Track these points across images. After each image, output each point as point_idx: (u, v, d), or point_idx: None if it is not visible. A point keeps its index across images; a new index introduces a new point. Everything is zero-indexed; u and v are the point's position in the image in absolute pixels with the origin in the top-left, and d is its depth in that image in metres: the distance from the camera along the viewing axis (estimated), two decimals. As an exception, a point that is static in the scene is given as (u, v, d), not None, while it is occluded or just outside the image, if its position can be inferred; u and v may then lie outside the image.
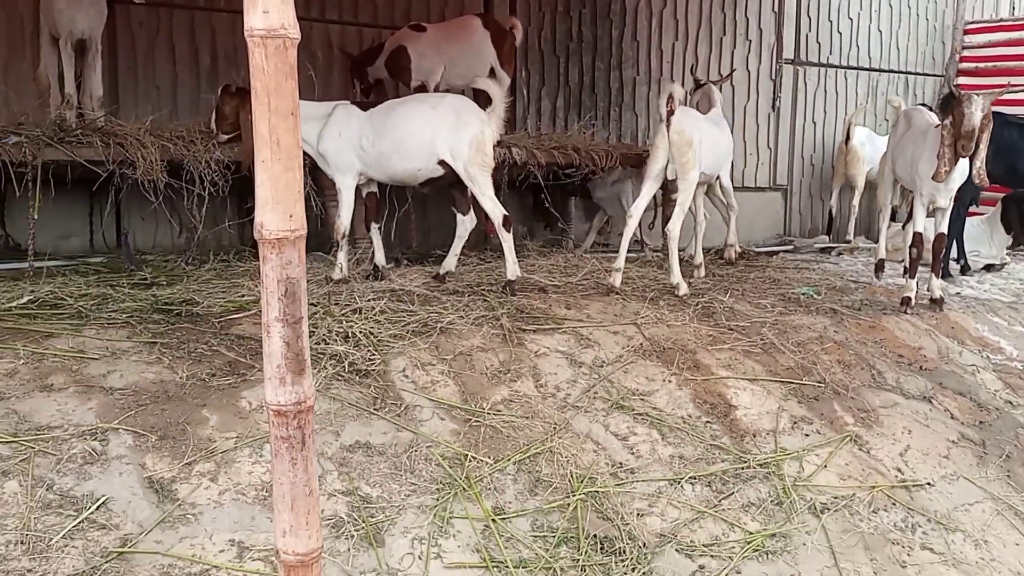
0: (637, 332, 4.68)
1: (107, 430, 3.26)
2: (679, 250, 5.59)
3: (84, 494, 2.98)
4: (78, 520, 2.86)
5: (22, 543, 2.76)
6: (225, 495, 3.08)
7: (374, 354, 4.07)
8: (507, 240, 5.14)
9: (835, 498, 3.68)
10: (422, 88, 6.33)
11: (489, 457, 3.53)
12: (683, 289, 5.46)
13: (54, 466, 3.06)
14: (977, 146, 5.26)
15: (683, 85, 8.49)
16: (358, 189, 5.35)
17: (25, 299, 4.34)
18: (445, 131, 5.06)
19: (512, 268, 5.14)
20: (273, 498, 2.09)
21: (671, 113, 5.47)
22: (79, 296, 4.48)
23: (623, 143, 7.78)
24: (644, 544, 3.21)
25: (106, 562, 2.74)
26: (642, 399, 4.09)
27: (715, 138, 6.10)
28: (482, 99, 5.37)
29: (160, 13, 6.60)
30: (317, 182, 5.70)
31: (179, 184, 5.32)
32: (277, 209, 1.93)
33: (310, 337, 2.38)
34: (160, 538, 2.87)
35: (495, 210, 5.12)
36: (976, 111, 5.18)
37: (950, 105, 5.40)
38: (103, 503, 2.95)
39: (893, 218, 7.36)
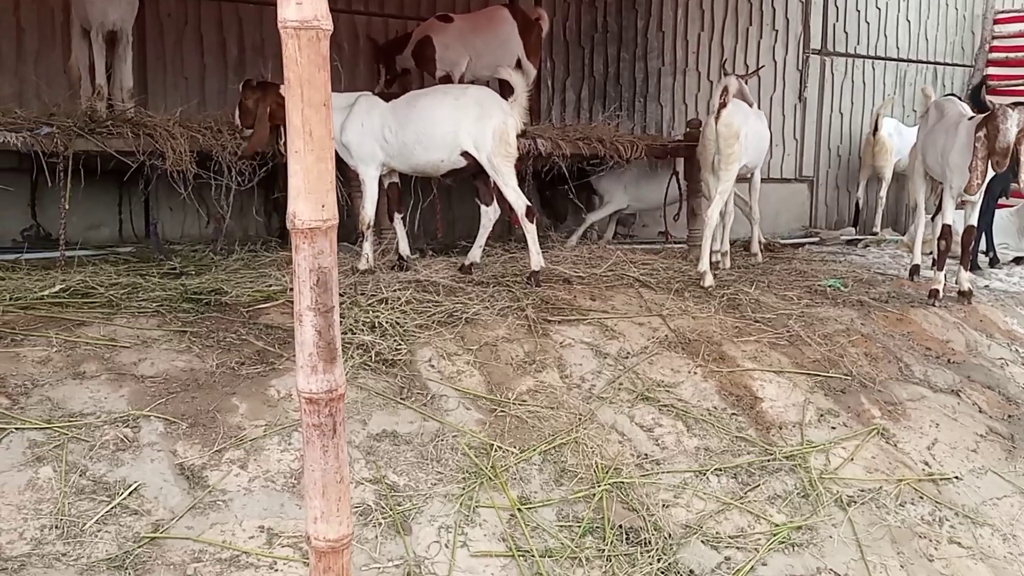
0: (662, 324, 4.67)
1: (139, 417, 3.30)
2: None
3: (117, 480, 3.03)
4: (111, 506, 2.91)
5: (56, 527, 2.82)
6: (255, 482, 3.12)
7: (400, 344, 4.10)
8: (530, 231, 5.14)
9: (862, 491, 3.66)
10: (447, 78, 6.33)
11: (515, 447, 3.55)
12: (708, 280, 5.44)
13: (87, 452, 3.11)
14: (1017, 160, 5.17)
15: (709, 77, 8.51)
16: (381, 180, 5.37)
17: (57, 288, 4.40)
18: (468, 122, 5.06)
19: (536, 259, 5.14)
20: (304, 485, 2.12)
21: (723, 106, 5.58)
22: (110, 285, 4.54)
23: (648, 134, 7.74)
24: (669, 535, 3.22)
25: (138, 547, 2.79)
26: (667, 391, 4.09)
27: (759, 132, 6.23)
28: (506, 89, 5.37)
29: (188, 4, 6.65)
30: (343, 173, 5.73)
31: (207, 175, 5.36)
32: (310, 199, 1.95)
33: (338, 327, 2.42)
34: (191, 524, 2.91)
35: (518, 201, 5.12)
36: (1012, 126, 5.09)
37: (980, 100, 5.33)
38: (135, 489, 2.99)
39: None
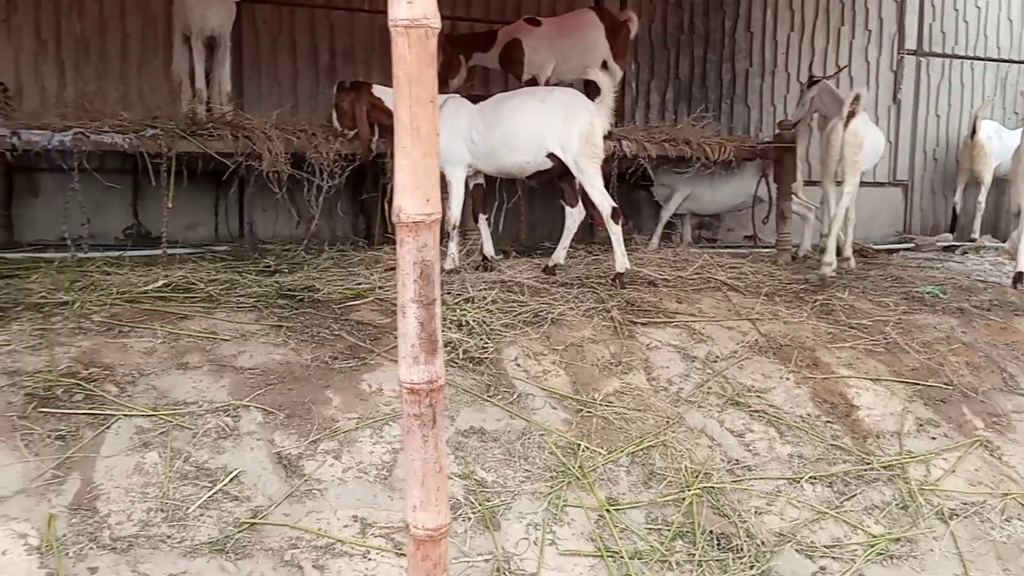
0: (752, 328, 4.59)
1: (238, 407, 3.41)
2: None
3: (218, 467, 3.13)
4: (213, 491, 3.01)
5: (162, 511, 2.92)
6: (348, 473, 3.19)
7: (487, 342, 4.13)
8: (616, 233, 5.11)
9: (964, 504, 3.52)
10: (532, 82, 6.36)
11: (602, 448, 3.54)
12: (827, 270, 5.78)
13: (190, 439, 3.23)
14: None
15: (798, 78, 8.33)
16: (466, 181, 5.42)
17: (160, 283, 4.58)
18: (555, 124, 5.07)
19: (621, 261, 5.12)
20: (404, 474, 2.16)
21: (852, 115, 5.83)
22: (209, 281, 4.69)
23: (735, 136, 7.62)
24: (762, 542, 3.16)
25: (238, 532, 2.87)
26: (758, 396, 4.01)
27: (876, 139, 6.47)
28: (591, 90, 5.37)
29: (282, 11, 6.86)
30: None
31: (301, 175, 5.50)
32: (415, 194, 1.98)
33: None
34: (288, 511, 2.99)
35: (604, 202, 5.10)
36: None
37: None
38: (236, 476, 3.09)
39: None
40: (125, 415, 3.29)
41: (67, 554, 2.70)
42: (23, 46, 6.32)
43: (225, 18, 5.89)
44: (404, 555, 2.83)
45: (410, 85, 1.93)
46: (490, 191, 5.89)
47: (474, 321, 4.31)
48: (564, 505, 3.20)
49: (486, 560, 2.91)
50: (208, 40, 5.87)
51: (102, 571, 2.66)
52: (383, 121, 5.42)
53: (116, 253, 5.53)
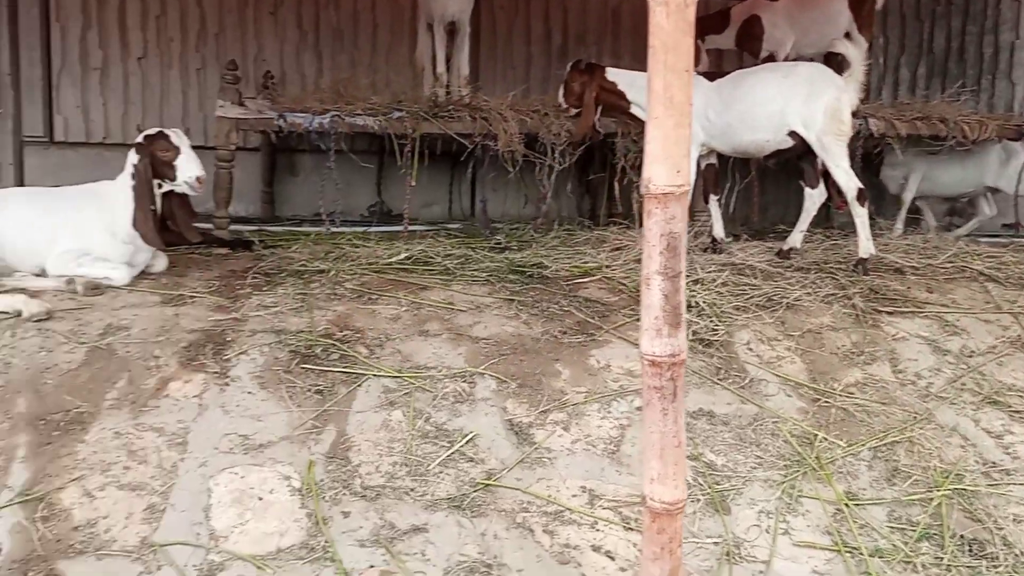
0: (1014, 322, 4.17)
1: (474, 374, 3.58)
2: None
3: (455, 429, 3.30)
4: (450, 451, 3.18)
5: (405, 465, 3.13)
6: (576, 444, 3.25)
7: (717, 325, 4.05)
8: (861, 215, 4.82)
9: None
10: (770, 59, 6.11)
11: (840, 440, 3.36)
12: None
13: (431, 401, 3.42)
14: None
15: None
16: (699, 161, 5.32)
17: (402, 256, 4.88)
18: (797, 101, 4.86)
19: (865, 245, 4.82)
20: (641, 447, 2.17)
21: None
22: (445, 256, 4.94)
23: (996, 114, 6.90)
24: (1021, 552, 2.87)
25: (474, 491, 3.01)
26: (1020, 396, 3.65)
27: None
28: (834, 64, 5.08)
29: (519, -4, 7.05)
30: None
31: (532, 156, 5.63)
32: (666, 164, 1.98)
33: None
34: (519, 476, 3.09)
35: (849, 183, 4.82)
36: None
37: None
38: (471, 438, 3.24)
39: None
40: (374, 375, 3.55)
41: (324, 498, 2.95)
42: (287, 36, 6.94)
43: (465, 5, 6.13)
44: (631, 529, 2.85)
45: (666, 54, 1.93)
46: (722, 171, 5.74)
47: (704, 303, 4.23)
48: (799, 495, 3.08)
49: (715, 543, 2.86)
50: (449, 27, 6.15)
51: (354, 516, 2.89)
52: (614, 103, 5.45)
53: (362, 228, 5.95)
